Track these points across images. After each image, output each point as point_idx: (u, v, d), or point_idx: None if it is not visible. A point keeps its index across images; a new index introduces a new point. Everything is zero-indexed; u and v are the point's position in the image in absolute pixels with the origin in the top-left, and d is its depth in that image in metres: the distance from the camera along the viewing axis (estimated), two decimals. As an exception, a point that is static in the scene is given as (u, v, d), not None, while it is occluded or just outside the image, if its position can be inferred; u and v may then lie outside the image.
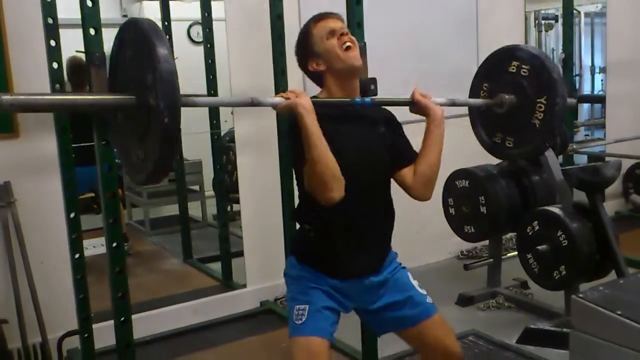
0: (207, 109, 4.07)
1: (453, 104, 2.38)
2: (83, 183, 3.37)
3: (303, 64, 2.17)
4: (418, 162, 2.14)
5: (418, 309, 2.18)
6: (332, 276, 2.11)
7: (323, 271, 2.11)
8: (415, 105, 2.19)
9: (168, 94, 1.77)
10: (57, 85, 2.78)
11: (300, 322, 2.08)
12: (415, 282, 2.24)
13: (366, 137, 2.13)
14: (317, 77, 2.17)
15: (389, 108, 2.26)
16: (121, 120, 2.07)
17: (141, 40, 1.88)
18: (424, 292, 2.22)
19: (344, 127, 2.09)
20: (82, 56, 2.51)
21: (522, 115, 2.57)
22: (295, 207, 2.29)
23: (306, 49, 2.14)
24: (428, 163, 2.13)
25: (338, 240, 2.11)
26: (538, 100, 2.53)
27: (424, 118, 2.19)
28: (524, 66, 2.59)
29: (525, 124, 2.58)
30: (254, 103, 2.00)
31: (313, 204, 2.01)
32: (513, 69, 2.61)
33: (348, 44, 2.08)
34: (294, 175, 2.19)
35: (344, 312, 2.19)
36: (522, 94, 2.56)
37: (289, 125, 2.04)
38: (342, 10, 2.77)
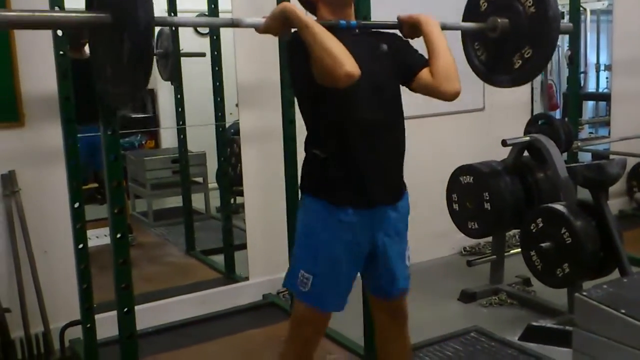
0: (212, 100, 4.07)
1: (444, 27, 2.23)
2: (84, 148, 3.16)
3: None
4: (432, 64, 2.08)
5: (393, 284, 2.22)
6: (349, 205, 2.05)
7: (339, 201, 2.04)
8: (404, 24, 2.16)
9: (141, 12, 1.72)
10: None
11: (304, 288, 2.07)
12: (407, 253, 2.26)
13: (367, 61, 2.01)
14: (309, 5, 2.13)
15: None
16: (97, 40, 2.01)
17: None
18: (408, 263, 2.26)
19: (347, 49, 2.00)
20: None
21: (506, 48, 2.48)
22: (305, 138, 2.17)
23: None
24: (442, 58, 2.07)
25: (352, 158, 2.04)
26: (527, 46, 2.42)
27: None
28: (531, 2, 2.43)
29: (505, 57, 2.49)
30: (234, 23, 1.98)
31: (326, 126, 2.01)
32: None
33: None
34: (299, 107, 2.16)
35: (360, 261, 2.16)
36: (516, 27, 2.44)
37: (287, 44, 2.01)
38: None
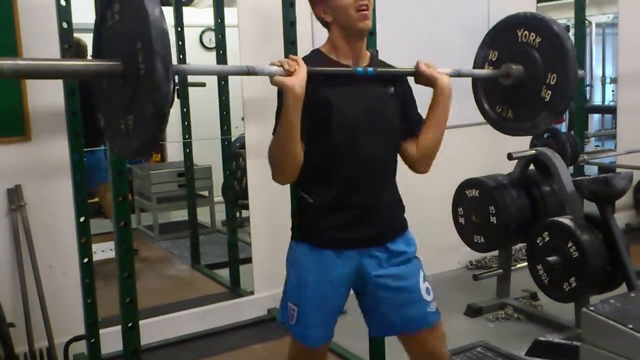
0: (218, 114, 4.08)
1: (459, 74, 2.25)
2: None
3: (311, 3, 2.08)
4: (423, 136, 2.09)
5: (415, 316, 2.10)
6: (332, 247, 2.02)
7: (323, 245, 2.03)
8: (421, 76, 2.09)
9: (160, 60, 1.55)
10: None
11: (291, 321, 2.08)
12: (424, 286, 2.12)
13: (374, 99, 2.03)
14: (324, 23, 2.07)
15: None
16: (107, 87, 1.85)
17: (128, 2, 1.68)
18: (429, 297, 2.12)
19: (350, 87, 2.00)
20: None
21: (529, 89, 2.39)
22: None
23: None
24: (433, 139, 2.09)
25: (339, 203, 2.01)
26: (548, 74, 2.35)
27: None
28: (534, 35, 2.39)
29: (531, 98, 2.41)
30: (249, 72, 1.93)
31: (313, 171, 1.98)
32: (524, 38, 2.42)
33: (364, 7, 1.96)
34: None
35: (347, 292, 2.11)
36: (531, 66, 2.38)
37: (278, 92, 1.98)
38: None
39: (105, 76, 1.72)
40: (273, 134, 1.97)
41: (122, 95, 1.69)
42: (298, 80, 1.83)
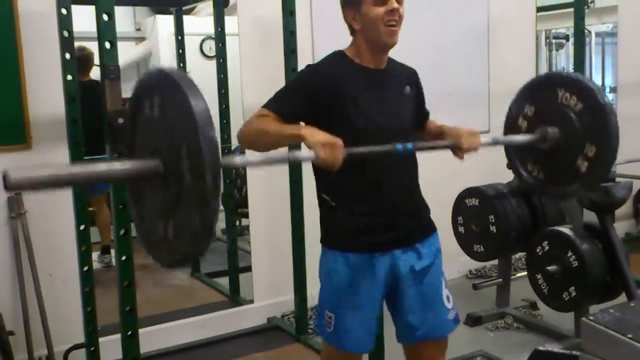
0: (218, 121, 4.09)
1: (496, 143, 2.26)
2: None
3: (342, 5, 2.07)
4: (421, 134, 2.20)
5: (432, 324, 2.12)
6: (363, 251, 2.02)
7: (350, 248, 2.02)
8: (459, 152, 2.08)
9: (209, 173, 1.36)
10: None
11: (329, 329, 2.06)
12: (445, 292, 2.16)
13: (393, 103, 2.08)
14: (350, 28, 2.07)
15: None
16: (143, 188, 1.64)
17: (170, 92, 1.46)
18: (449, 305, 2.16)
19: (370, 92, 2.03)
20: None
21: (564, 154, 2.28)
22: (314, 174, 2.12)
23: None
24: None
25: (365, 206, 2.02)
26: (587, 144, 2.23)
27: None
28: (576, 100, 2.26)
29: (566, 164, 2.28)
30: (290, 159, 1.95)
31: (336, 174, 1.91)
32: (564, 100, 2.29)
33: (393, 22, 1.98)
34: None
35: (381, 302, 2.11)
36: (569, 131, 2.26)
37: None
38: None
39: (143, 179, 1.53)
40: (265, 106, 1.98)
41: (162, 197, 1.51)
42: (338, 162, 1.81)
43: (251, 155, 1.94)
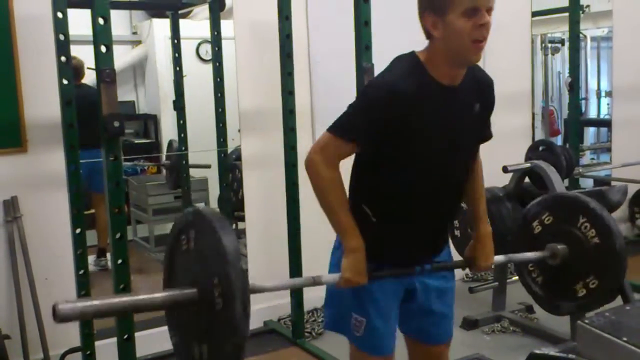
0: (214, 124, 4.09)
1: (509, 261, 2.36)
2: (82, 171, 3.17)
3: (421, 6, 1.84)
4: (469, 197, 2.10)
5: (441, 328, 2.12)
6: (388, 262, 1.97)
7: (379, 261, 1.95)
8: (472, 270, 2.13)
9: (239, 302, 1.55)
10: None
11: (357, 333, 2.02)
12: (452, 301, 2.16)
13: (460, 122, 1.89)
14: (427, 34, 1.83)
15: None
16: (179, 313, 1.82)
17: (206, 232, 1.65)
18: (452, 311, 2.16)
19: (439, 117, 1.84)
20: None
21: (567, 272, 2.46)
22: (350, 182, 1.97)
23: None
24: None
25: (406, 226, 1.94)
26: (591, 274, 2.43)
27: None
28: (594, 233, 2.45)
29: (565, 282, 2.49)
30: (315, 282, 1.91)
31: (381, 188, 1.89)
32: (583, 228, 2.46)
33: (481, 37, 1.75)
34: (357, 155, 1.93)
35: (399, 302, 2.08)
36: (578, 256, 2.42)
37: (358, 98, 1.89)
38: (350, 31, 2.80)
39: (182, 306, 1.70)
40: (333, 132, 1.82)
41: (197, 321, 1.68)
42: (363, 281, 1.87)
43: (280, 280, 2.01)
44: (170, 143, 5.65)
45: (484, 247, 2.09)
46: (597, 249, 2.39)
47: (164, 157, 6.09)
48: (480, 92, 1.95)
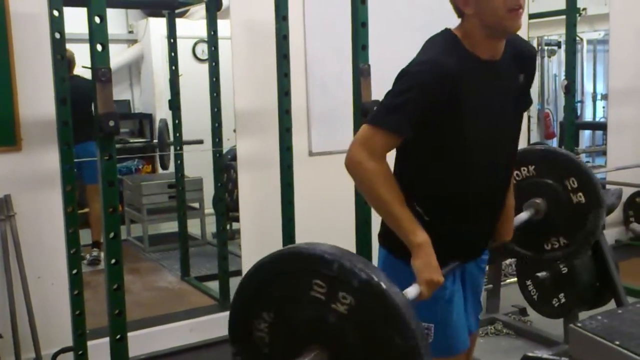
0: (209, 123, 4.09)
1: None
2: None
3: None
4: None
5: (474, 316, 2.05)
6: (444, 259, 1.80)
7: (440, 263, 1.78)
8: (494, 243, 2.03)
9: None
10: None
11: (428, 339, 1.86)
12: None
13: (503, 107, 1.79)
14: (458, 12, 1.75)
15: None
16: None
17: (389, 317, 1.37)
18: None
19: (484, 94, 1.73)
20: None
21: (558, 214, 2.39)
22: (397, 176, 1.77)
23: None
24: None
25: (461, 227, 1.82)
26: (565, 181, 2.37)
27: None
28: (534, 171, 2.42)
29: (566, 217, 2.40)
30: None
31: (435, 186, 1.77)
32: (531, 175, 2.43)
33: (517, 6, 1.66)
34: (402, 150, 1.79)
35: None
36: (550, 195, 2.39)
37: (400, 81, 1.69)
38: (347, 32, 2.80)
39: None
40: (374, 123, 1.68)
41: None
42: (441, 280, 1.71)
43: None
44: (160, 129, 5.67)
45: (508, 220, 2.03)
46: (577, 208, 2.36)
47: (157, 157, 6.09)
48: (523, 62, 1.85)
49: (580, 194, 2.35)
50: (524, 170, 2.42)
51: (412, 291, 1.65)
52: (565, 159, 2.46)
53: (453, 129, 1.70)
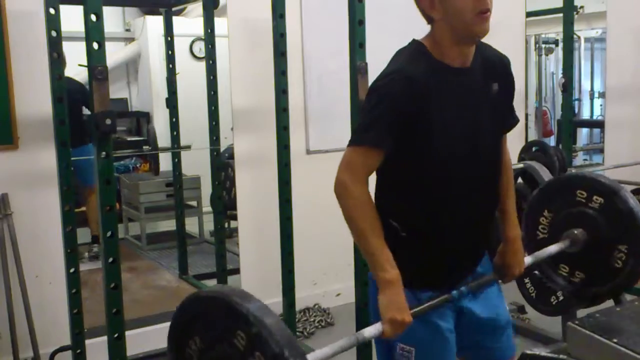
0: (207, 122, 4.08)
1: (536, 260, 2.12)
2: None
3: None
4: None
5: (499, 341, 1.88)
6: (427, 289, 1.75)
7: (416, 287, 1.72)
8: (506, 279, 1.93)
9: None
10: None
11: None
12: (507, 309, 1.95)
13: (477, 117, 1.72)
14: (427, 18, 1.71)
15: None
16: None
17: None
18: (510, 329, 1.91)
19: (454, 104, 1.68)
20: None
21: (596, 253, 2.16)
22: (375, 192, 1.75)
23: None
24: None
25: (438, 239, 1.73)
26: (617, 245, 2.12)
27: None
28: (595, 197, 2.16)
29: (601, 262, 2.16)
30: (359, 342, 1.61)
31: (408, 197, 1.69)
32: (581, 199, 2.19)
33: (485, 8, 1.64)
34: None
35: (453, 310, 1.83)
36: (594, 230, 2.14)
37: (370, 98, 1.66)
38: (344, 30, 2.79)
39: None
40: (358, 143, 1.65)
41: None
42: (408, 319, 1.63)
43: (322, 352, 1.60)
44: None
45: (516, 253, 1.93)
46: (607, 208, 2.14)
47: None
48: (495, 71, 1.80)
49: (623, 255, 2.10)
50: (596, 199, 2.18)
51: (371, 330, 1.62)
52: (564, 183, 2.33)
53: (425, 138, 1.65)
